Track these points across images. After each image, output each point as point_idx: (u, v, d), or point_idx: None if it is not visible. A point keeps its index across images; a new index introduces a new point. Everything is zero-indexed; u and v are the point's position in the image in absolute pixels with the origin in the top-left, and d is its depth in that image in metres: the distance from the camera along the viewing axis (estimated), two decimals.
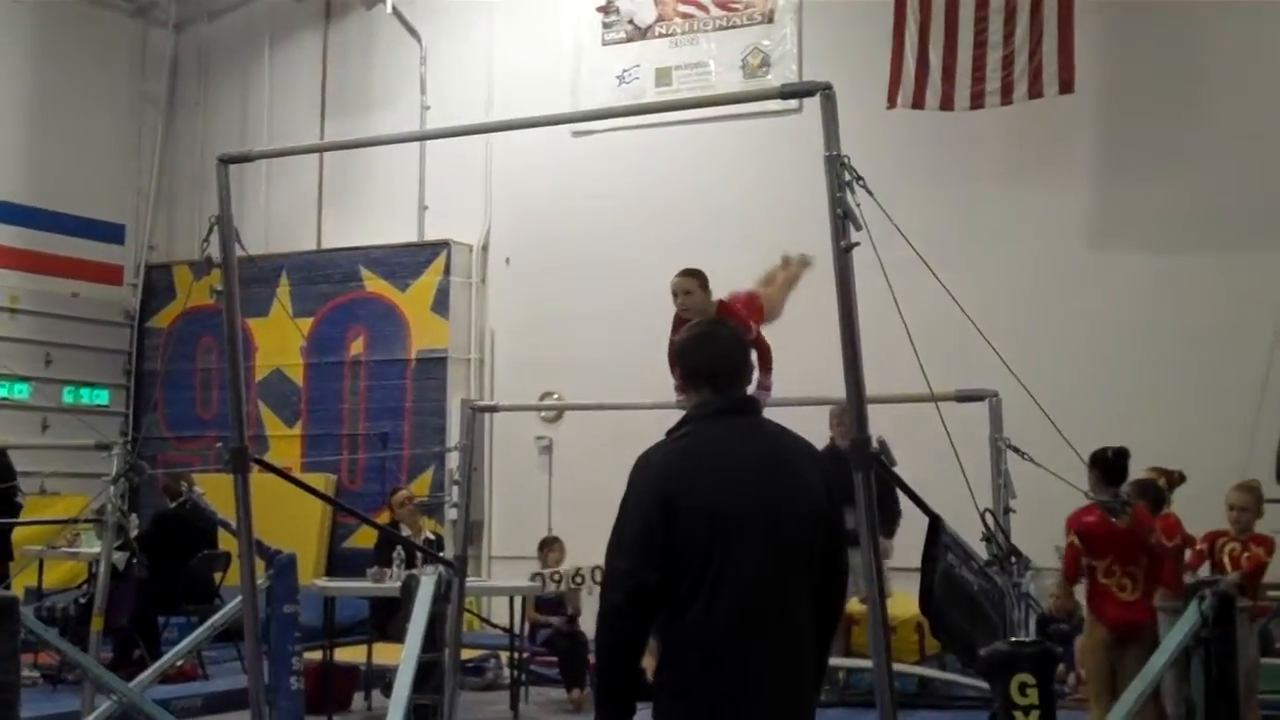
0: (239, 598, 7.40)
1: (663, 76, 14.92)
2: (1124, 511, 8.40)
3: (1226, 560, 9.29)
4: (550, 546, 12.33)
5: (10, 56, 16.21)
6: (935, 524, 5.33)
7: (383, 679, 10.50)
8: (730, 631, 3.93)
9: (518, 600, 11.77)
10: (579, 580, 11.27)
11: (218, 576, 12.20)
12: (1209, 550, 9.47)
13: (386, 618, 11.11)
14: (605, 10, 15.37)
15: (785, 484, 4.10)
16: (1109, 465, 8.88)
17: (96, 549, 10.75)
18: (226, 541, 11.71)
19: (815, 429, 4.70)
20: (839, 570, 4.21)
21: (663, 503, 3.95)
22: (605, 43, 15.35)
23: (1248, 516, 9.48)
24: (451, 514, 12.10)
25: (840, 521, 4.21)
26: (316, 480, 14.27)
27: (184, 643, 9.82)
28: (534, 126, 6.39)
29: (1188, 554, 9.51)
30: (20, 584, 13.37)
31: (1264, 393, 10.95)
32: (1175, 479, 10.18)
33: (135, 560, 11.30)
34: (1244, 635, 8.69)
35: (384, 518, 13.54)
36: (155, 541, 11.83)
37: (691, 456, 4.08)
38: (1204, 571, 9.29)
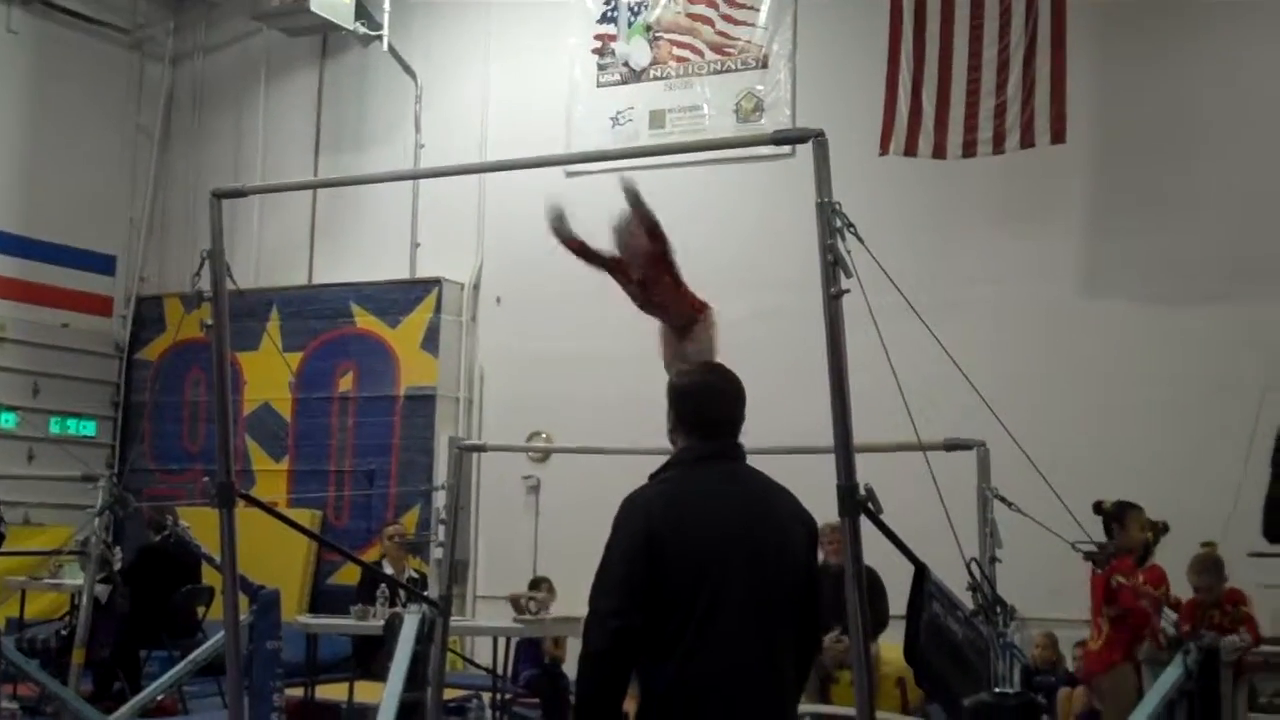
0: (221, 633, 7.37)
1: (656, 119, 14.97)
2: (1107, 562, 8.43)
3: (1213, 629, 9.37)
4: (539, 586, 12.24)
5: (6, 86, 16.24)
6: (920, 573, 5.31)
7: (364, 717, 10.44)
8: (714, 677, 3.93)
9: (501, 640, 11.74)
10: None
11: (200, 610, 12.15)
12: (1194, 625, 9.50)
13: (369, 656, 11.07)
14: (600, 52, 15.43)
15: (769, 531, 4.12)
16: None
17: (80, 581, 10.72)
18: (210, 576, 11.66)
19: (801, 477, 4.69)
20: (814, 620, 4.24)
21: (648, 545, 3.95)
22: (600, 84, 15.40)
23: (1217, 589, 9.61)
24: (437, 553, 12.06)
25: (815, 572, 4.23)
26: (302, 516, 14.24)
27: (165, 677, 9.80)
28: (527, 167, 6.38)
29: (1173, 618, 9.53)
30: (2, 615, 13.33)
31: (1251, 445, 10.95)
32: (1160, 529, 10.23)
33: (117, 593, 11.26)
34: (1227, 690, 8.73)
35: (375, 551, 13.54)
36: (139, 574, 11.78)
37: (677, 500, 4.09)
38: None
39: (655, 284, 6.57)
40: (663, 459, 4.32)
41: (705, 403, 4.28)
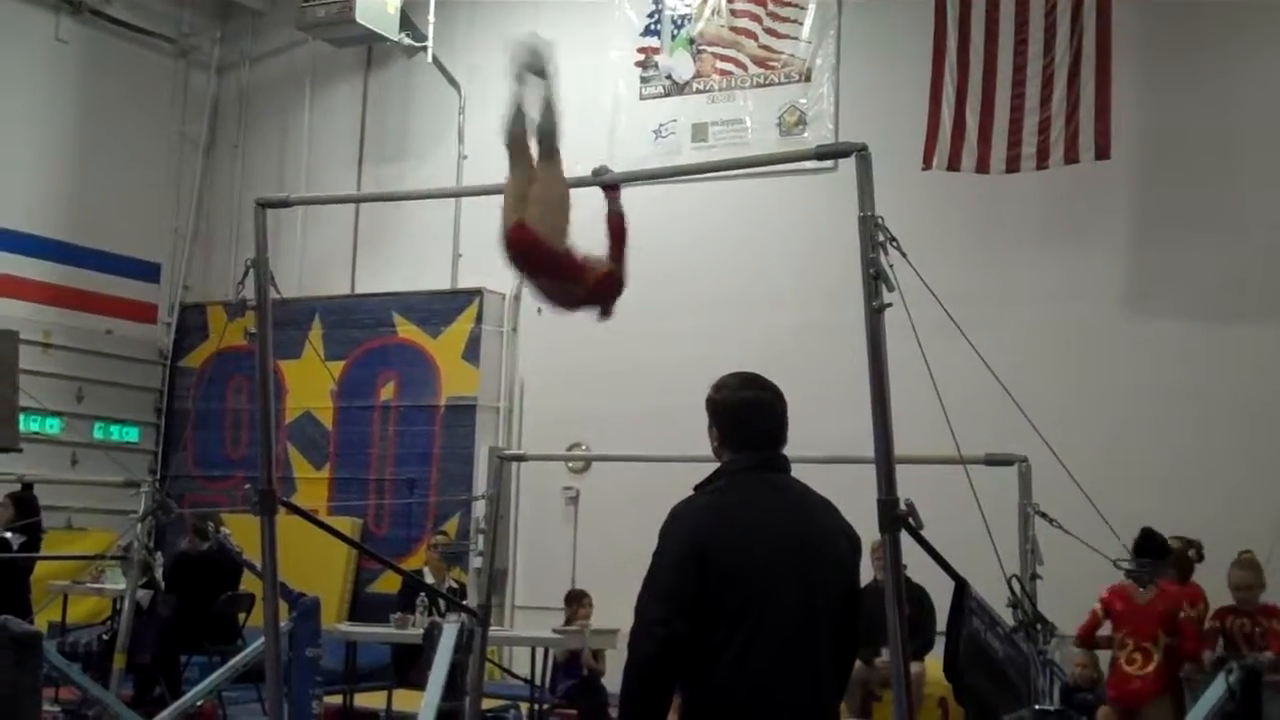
0: (261, 639, 7.41)
1: (699, 132, 14.98)
2: (1152, 580, 8.38)
3: (1239, 638, 9.31)
4: (579, 601, 12.22)
5: (53, 95, 16.38)
6: (961, 588, 5.30)
7: None
8: (759, 690, 3.93)
9: (539, 651, 11.74)
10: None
11: (241, 617, 12.20)
12: (1221, 627, 9.49)
13: (408, 664, 11.11)
14: (644, 65, 15.46)
15: (815, 543, 4.12)
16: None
17: (121, 586, 10.78)
18: (250, 583, 11.72)
19: (842, 490, 4.69)
20: (854, 633, 4.23)
21: (697, 556, 3.96)
22: (643, 97, 15.43)
23: (1253, 594, 9.55)
24: (476, 562, 12.09)
25: (858, 585, 4.24)
26: (343, 524, 14.29)
27: (204, 683, 9.84)
28: (570, 187, 6.38)
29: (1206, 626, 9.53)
30: (44, 619, 13.41)
31: None
32: (1198, 547, 10.23)
33: (159, 598, 11.32)
34: (1271, 710, 8.65)
35: (415, 560, 13.58)
36: (181, 580, 11.85)
37: (725, 511, 4.10)
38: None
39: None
40: (703, 468, 4.32)
41: (748, 417, 4.28)
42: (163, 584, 11.61)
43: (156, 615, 11.45)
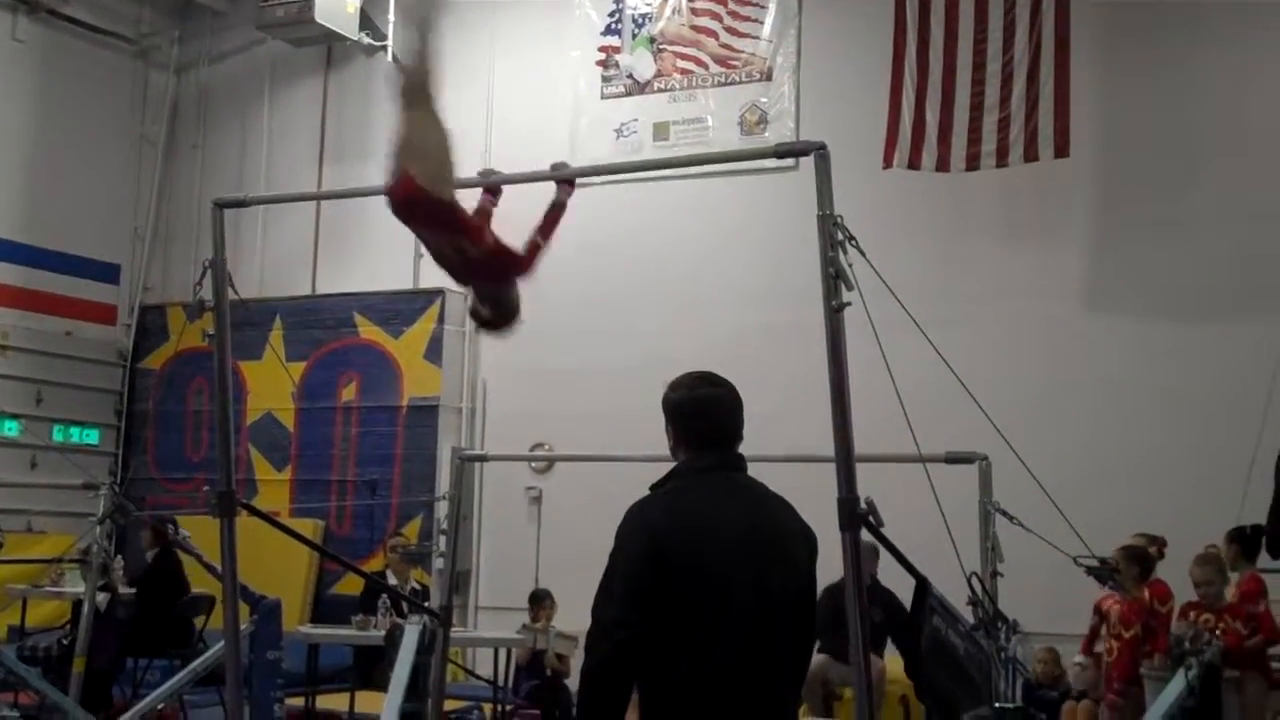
0: (222, 642, 7.37)
1: (660, 131, 14.97)
2: (1112, 577, 8.43)
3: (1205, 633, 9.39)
4: (541, 602, 12.20)
5: (10, 96, 16.24)
6: (922, 586, 5.31)
7: None
8: (718, 688, 3.93)
9: (502, 652, 11.72)
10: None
11: (201, 620, 12.14)
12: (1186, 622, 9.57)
13: (370, 666, 11.06)
14: (605, 64, 15.44)
15: (772, 542, 4.12)
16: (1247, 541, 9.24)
17: (81, 589, 10.71)
18: (211, 584, 11.65)
19: (804, 489, 4.69)
20: (810, 631, 4.23)
21: (655, 555, 3.94)
22: (604, 96, 15.41)
23: (1214, 589, 9.63)
24: (438, 563, 12.07)
25: (814, 583, 4.23)
26: (305, 526, 14.24)
27: (165, 686, 9.79)
28: (529, 181, 6.38)
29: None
30: (3, 623, 13.33)
31: (1254, 463, 10.93)
32: (1161, 544, 10.30)
33: (117, 602, 11.24)
34: (1229, 704, 8.74)
35: (377, 561, 13.53)
36: (151, 584, 11.78)
37: (681, 511, 4.08)
38: None
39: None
40: (664, 468, 4.31)
41: (704, 416, 4.26)
42: (122, 588, 11.53)
43: (115, 619, 11.37)
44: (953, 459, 7.23)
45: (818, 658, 9.51)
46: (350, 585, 14.23)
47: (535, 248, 5.93)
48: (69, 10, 16.70)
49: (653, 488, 4.21)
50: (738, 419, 4.29)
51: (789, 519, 4.26)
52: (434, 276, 15.66)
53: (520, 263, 5.90)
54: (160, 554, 12.15)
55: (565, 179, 6.25)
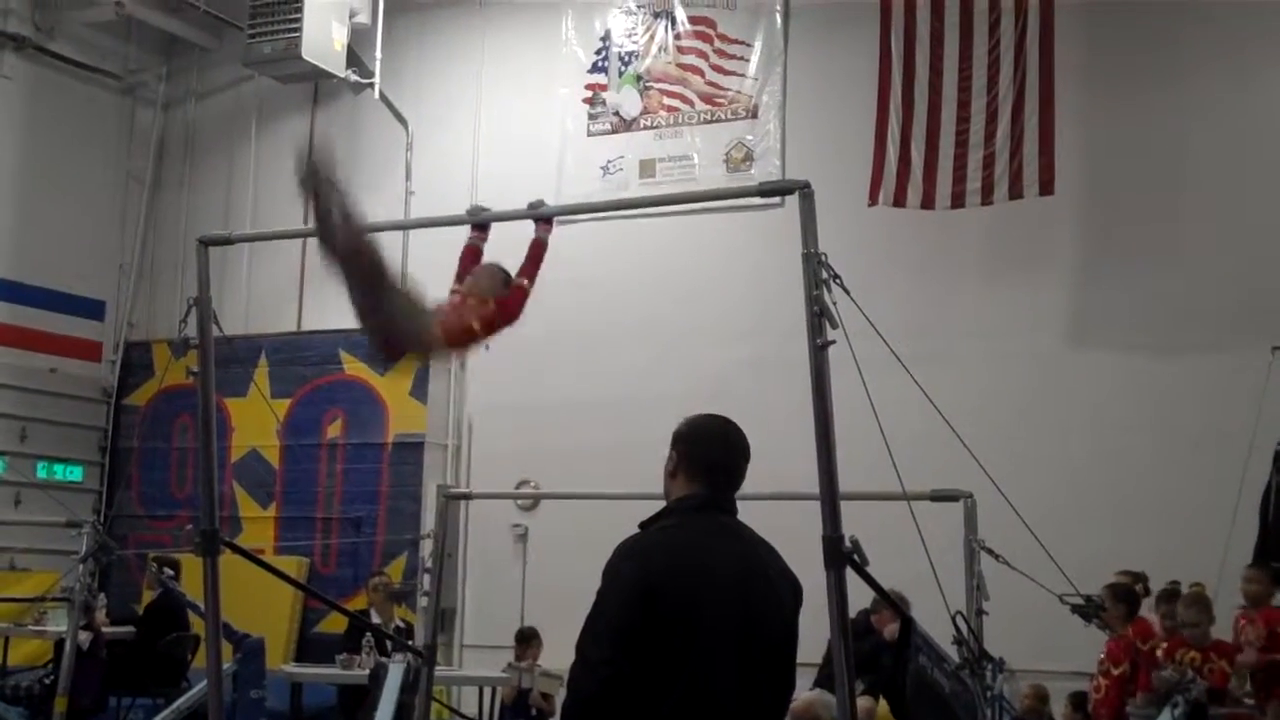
0: (205, 681, 7.33)
1: (646, 168, 15.00)
2: (1097, 615, 8.42)
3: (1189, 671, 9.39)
4: (529, 642, 12.15)
5: None
6: (907, 625, 5.30)
7: None
8: None
9: (487, 690, 11.68)
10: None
11: (188, 658, 12.09)
12: (1172, 660, 9.56)
13: (355, 705, 11.02)
14: (591, 102, 15.48)
15: (760, 586, 4.10)
16: None
17: (64, 628, 10.66)
18: (198, 623, 11.61)
19: (786, 526, 4.69)
20: (790, 674, 4.22)
21: (645, 594, 3.91)
22: (591, 133, 15.44)
23: (1201, 630, 9.63)
24: (423, 601, 12.02)
25: (796, 629, 4.22)
26: (289, 564, 14.17)
27: None
28: (516, 219, 6.40)
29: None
30: None
31: (1240, 496, 10.95)
32: (1143, 579, 10.32)
33: (99, 641, 11.19)
34: None
35: (362, 600, 13.48)
36: (153, 621, 11.75)
37: (674, 550, 4.05)
38: None
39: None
40: (650, 505, 4.28)
41: (715, 447, 4.25)
42: (106, 628, 11.49)
43: (97, 658, 11.32)
44: (938, 497, 7.23)
45: (809, 693, 9.48)
46: (335, 624, 14.16)
47: (521, 292, 5.99)
48: (56, 47, 16.69)
49: (642, 525, 4.19)
50: (741, 462, 4.27)
51: (776, 564, 4.24)
52: None
53: (508, 312, 5.97)
54: (165, 591, 12.11)
55: (545, 217, 6.28)
